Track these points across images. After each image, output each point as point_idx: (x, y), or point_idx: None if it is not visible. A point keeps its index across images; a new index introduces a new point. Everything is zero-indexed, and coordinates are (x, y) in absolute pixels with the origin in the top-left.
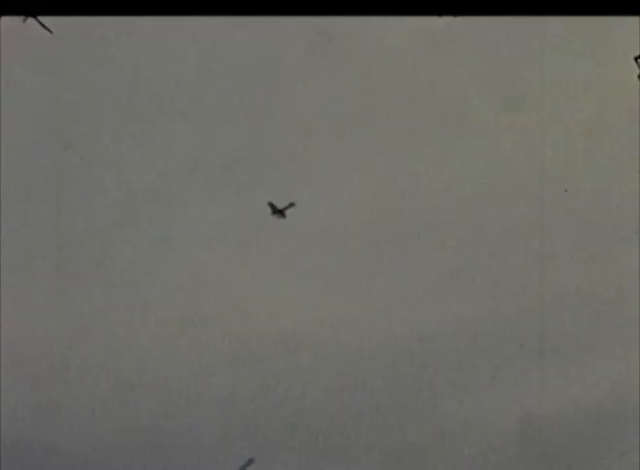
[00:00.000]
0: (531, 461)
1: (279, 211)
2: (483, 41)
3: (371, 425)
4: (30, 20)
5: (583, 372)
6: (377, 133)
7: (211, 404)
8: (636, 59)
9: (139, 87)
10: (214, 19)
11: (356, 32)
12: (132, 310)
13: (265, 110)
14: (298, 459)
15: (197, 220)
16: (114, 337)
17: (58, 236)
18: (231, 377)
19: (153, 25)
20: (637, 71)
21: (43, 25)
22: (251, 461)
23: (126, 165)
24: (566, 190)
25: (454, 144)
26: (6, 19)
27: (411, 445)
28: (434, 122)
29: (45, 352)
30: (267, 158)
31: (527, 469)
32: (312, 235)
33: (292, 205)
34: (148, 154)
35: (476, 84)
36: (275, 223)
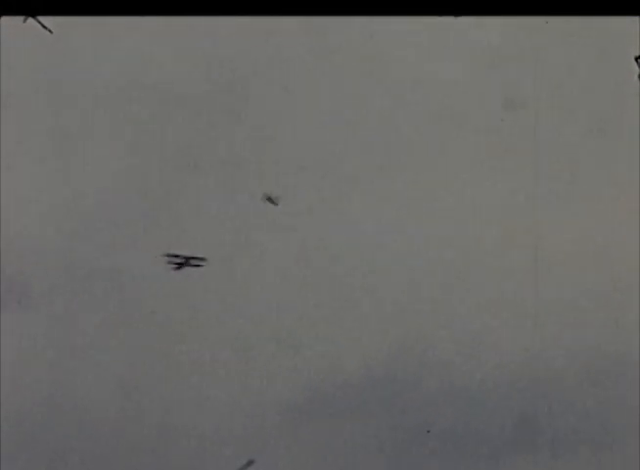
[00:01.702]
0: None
1: (271, 200)
2: (483, 41)
3: (369, 422)
4: (31, 20)
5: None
6: (375, 133)
7: (212, 404)
8: (636, 59)
9: (140, 86)
10: (215, 19)
11: (356, 32)
12: (129, 313)
13: (264, 109)
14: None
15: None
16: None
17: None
18: (231, 376)
19: (153, 25)
20: (637, 72)
21: (43, 26)
22: (250, 463)
23: (125, 164)
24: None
25: (453, 144)
26: (6, 19)
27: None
28: (434, 122)
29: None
30: (265, 156)
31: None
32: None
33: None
34: (148, 153)
35: (476, 84)
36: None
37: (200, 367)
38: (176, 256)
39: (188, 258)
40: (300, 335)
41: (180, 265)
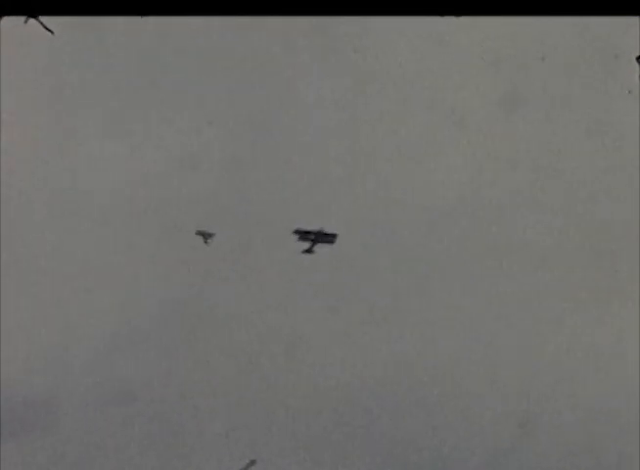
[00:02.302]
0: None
1: (203, 235)
2: (484, 41)
3: (369, 421)
4: (32, 20)
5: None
6: (375, 132)
7: (212, 404)
8: (637, 59)
9: (139, 87)
10: (215, 19)
11: (356, 32)
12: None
13: (263, 110)
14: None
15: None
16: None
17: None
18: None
19: (153, 26)
20: (637, 72)
21: (44, 26)
22: (252, 463)
23: (124, 164)
24: None
25: (453, 144)
26: (6, 19)
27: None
28: (434, 122)
29: None
30: (265, 156)
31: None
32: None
33: (208, 236)
34: (147, 154)
35: (476, 84)
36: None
37: None
38: (307, 232)
39: (319, 234)
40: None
41: (312, 243)
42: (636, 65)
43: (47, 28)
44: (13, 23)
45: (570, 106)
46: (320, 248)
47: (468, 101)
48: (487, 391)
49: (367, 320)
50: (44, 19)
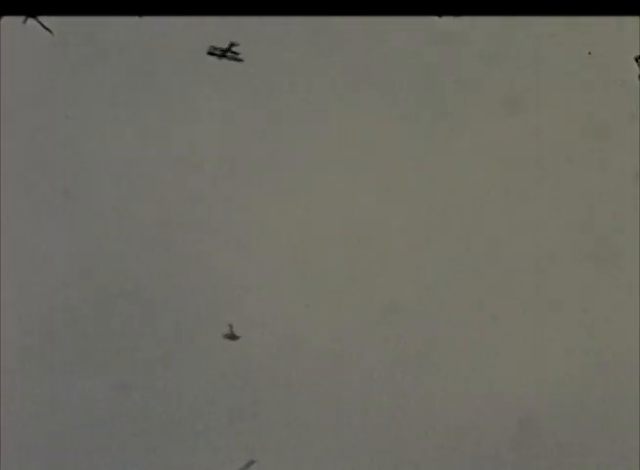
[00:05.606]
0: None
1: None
2: (483, 41)
3: (368, 422)
4: (31, 20)
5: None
6: (376, 133)
7: (211, 404)
8: (636, 59)
9: (140, 87)
10: (215, 19)
11: (356, 32)
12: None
13: (264, 109)
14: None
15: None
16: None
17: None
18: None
19: (153, 25)
20: (637, 72)
21: (44, 26)
22: (251, 463)
23: (126, 165)
24: None
25: (453, 144)
26: (6, 19)
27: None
28: (434, 122)
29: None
30: (266, 157)
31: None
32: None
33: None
34: (148, 154)
35: (476, 84)
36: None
37: None
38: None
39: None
40: None
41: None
42: (635, 65)
43: (46, 28)
44: (13, 22)
45: (568, 106)
46: None
47: (467, 101)
48: (487, 391)
49: None
50: (43, 19)
